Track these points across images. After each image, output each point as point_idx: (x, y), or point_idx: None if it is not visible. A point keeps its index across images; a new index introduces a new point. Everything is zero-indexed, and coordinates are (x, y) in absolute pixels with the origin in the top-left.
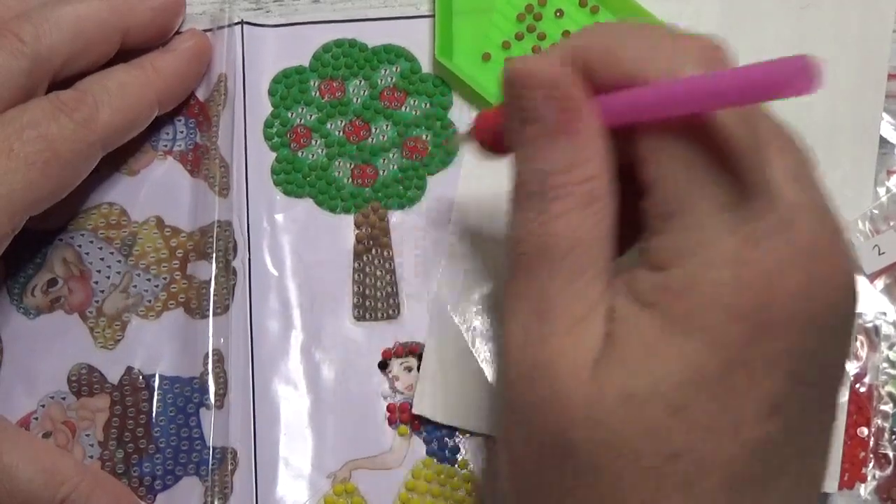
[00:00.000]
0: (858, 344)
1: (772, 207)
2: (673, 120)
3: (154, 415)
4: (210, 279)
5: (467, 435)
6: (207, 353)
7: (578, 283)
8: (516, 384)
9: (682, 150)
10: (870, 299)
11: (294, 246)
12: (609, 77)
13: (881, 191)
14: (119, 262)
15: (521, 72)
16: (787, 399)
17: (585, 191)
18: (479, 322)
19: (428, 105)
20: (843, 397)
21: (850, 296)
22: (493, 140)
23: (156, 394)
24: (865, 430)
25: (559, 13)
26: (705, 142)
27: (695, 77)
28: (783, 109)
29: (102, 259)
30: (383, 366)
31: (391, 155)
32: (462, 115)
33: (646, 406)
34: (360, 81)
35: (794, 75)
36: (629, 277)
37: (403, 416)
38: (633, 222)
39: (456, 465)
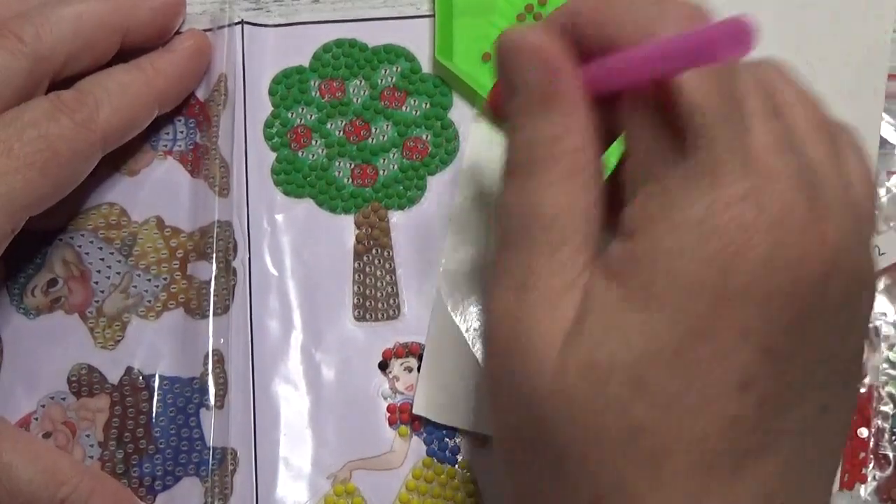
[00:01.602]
0: None
1: (744, 174)
2: (647, 86)
3: (154, 415)
4: (210, 279)
5: (467, 435)
6: (207, 354)
7: (560, 255)
8: (495, 357)
9: (650, 116)
10: None
11: (294, 246)
12: (597, 43)
13: (881, 191)
14: (119, 262)
15: (507, 42)
16: (760, 375)
17: (569, 161)
18: (479, 322)
19: (428, 105)
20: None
21: (838, 272)
22: (497, 112)
23: (156, 394)
24: (865, 431)
25: None
26: (672, 108)
27: (652, 42)
28: None
29: (102, 259)
30: (383, 366)
31: (391, 155)
32: (462, 115)
33: (606, 379)
34: (360, 81)
35: (732, 36)
36: (606, 249)
37: (404, 417)
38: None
39: (456, 466)
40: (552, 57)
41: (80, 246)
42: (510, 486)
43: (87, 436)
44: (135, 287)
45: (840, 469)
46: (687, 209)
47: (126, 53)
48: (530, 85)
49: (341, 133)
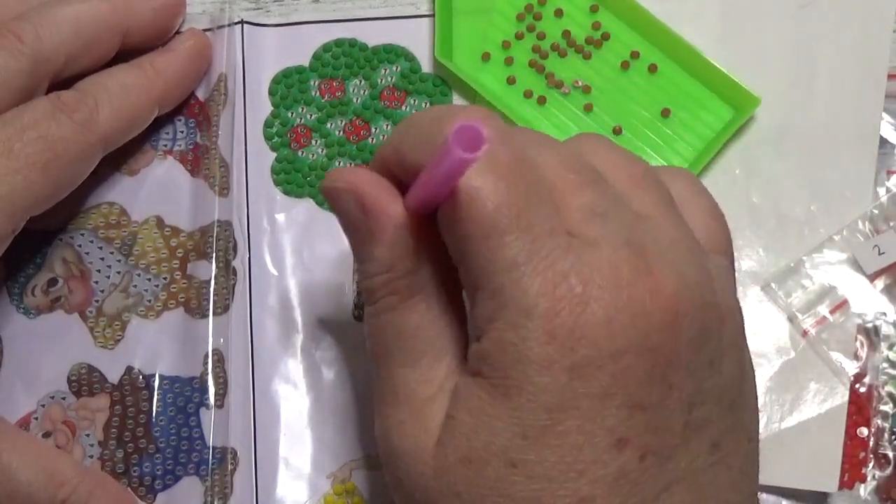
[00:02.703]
0: (858, 344)
1: (564, 251)
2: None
3: (154, 415)
4: (210, 279)
5: None
6: (207, 353)
7: (417, 369)
8: (387, 468)
9: (455, 227)
10: (870, 299)
11: (294, 246)
12: (403, 173)
13: (881, 191)
14: (119, 261)
15: (327, 183)
16: (633, 431)
17: (404, 285)
18: None
19: (428, 105)
20: (844, 398)
21: (684, 315)
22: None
23: (156, 394)
24: (865, 431)
25: (559, 13)
26: (471, 219)
27: (426, 166)
28: (783, 111)
29: (102, 259)
30: None
31: None
32: None
33: (485, 466)
34: (360, 81)
35: (464, 143)
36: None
37: None
38: None
39: None
40: (363, 194)
41: (80, 245)
42: None
43: (87, 435)
44: (135, 287)
45: (840, 468)
46: (520, 301)
47: (126, 53)
48: (354, 223)
49: (341, 133)
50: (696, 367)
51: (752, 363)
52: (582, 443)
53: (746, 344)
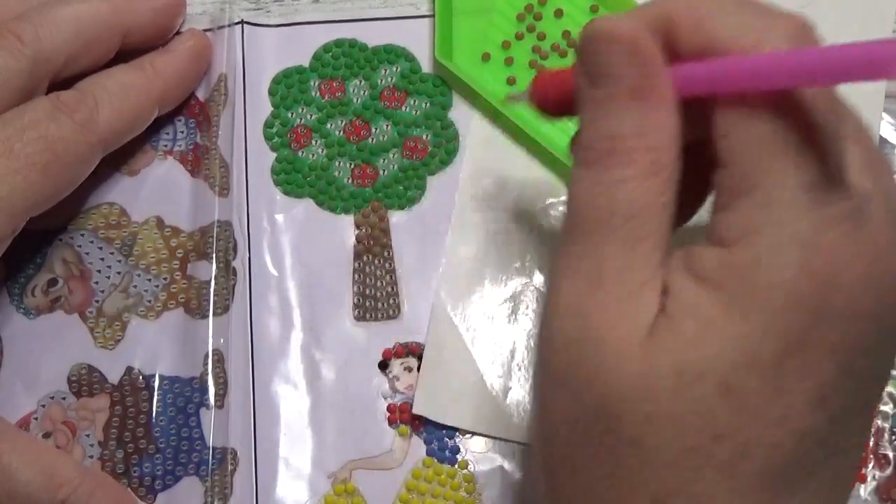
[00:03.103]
0: None
1: (847, 195)
2: (755, 95)
3: (154, 415)
4: (210, 279)
5: (467, 435)
6: (207, 353)
7: (636, 252)
8: (562, 352)
9: (762, 126)
10: None
11: (294, 246)
12: (693, 46)
13: None
14: (119, 262)
15: (603, 29)
16: (835, 391)
17: (651, 160)
18: (479, 322)
19: (428, 105)
20: None
21: None
22: (551, 102)
23: (156, 394)
24: None
25: (559, 13)
26: (788, 121)
27: (784, 52)
28: None
29: (102, 259)
30: (383, 366)
31: (391, 155)
32: (462, 115)
33: (696, 383)
34: (360, 81)
35: (891, 58)
36: (688, 252)
37: (404, 417)
38: (691, 197)
39: (456, 466)
40: (648, 50)
41: (80, 246)
42: (555, 488)
43: (87, 435)
44: (135, 287)
45: None
46: (793, 224)
47: (126, 53)
48: (620, 76)
49: (341, 133)
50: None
51: None
52: (794, 389)
53: None
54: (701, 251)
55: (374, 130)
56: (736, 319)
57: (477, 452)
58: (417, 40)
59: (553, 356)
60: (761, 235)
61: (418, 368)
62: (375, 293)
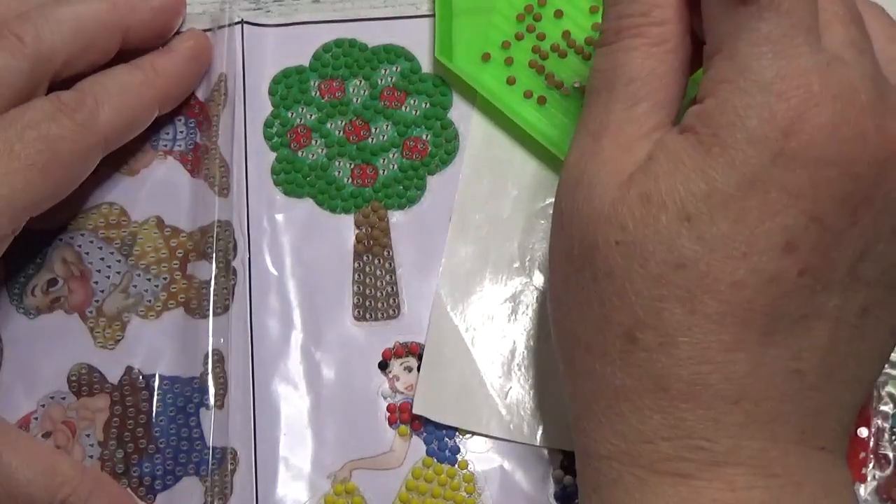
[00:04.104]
0: None
1: (815, 49)
2: None
3: (154, 415)
4: (210, 279)
5: (467, 435)
6: (207, 353)
7: (634, 111)
8: (563, 194)
9: None
10: None
11: (294, 246)
12: None
13: None
14: (119, 262)
15: None
16: (804, 243)
17: (656, 32)
18: (479, 322)
19: (428, 105)
20: None
21: (892, 156)
22: None
23: (156, 394)
24: (865, 431)
25: (559, 14)
26: None
27: None
28: None
29: (102, 259)
30: (383, 366)
31: (391, 155)
32: (462, 115)
33: (660, 211)
34: (360, 81)
35: None
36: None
37: (403, 416)
38: None
39: (456, 465)
40: None
41: (80, 246)
42: (557, 334)
43: (87, 435)
44: (135, 287)
45: None
46: (757, 72)
47: (126, 53)
48: None
49: (341, 133)
50: (882, 222)
51: None
52: (756, 227)
53: None
54: (687, 110)
55: (373, 130)
56: (700, 156)
57: (477, 452)
58: (417, 40)
59: (558, 201)
60: (728, 83)
61: (418, 368)
62: (375, 293)
